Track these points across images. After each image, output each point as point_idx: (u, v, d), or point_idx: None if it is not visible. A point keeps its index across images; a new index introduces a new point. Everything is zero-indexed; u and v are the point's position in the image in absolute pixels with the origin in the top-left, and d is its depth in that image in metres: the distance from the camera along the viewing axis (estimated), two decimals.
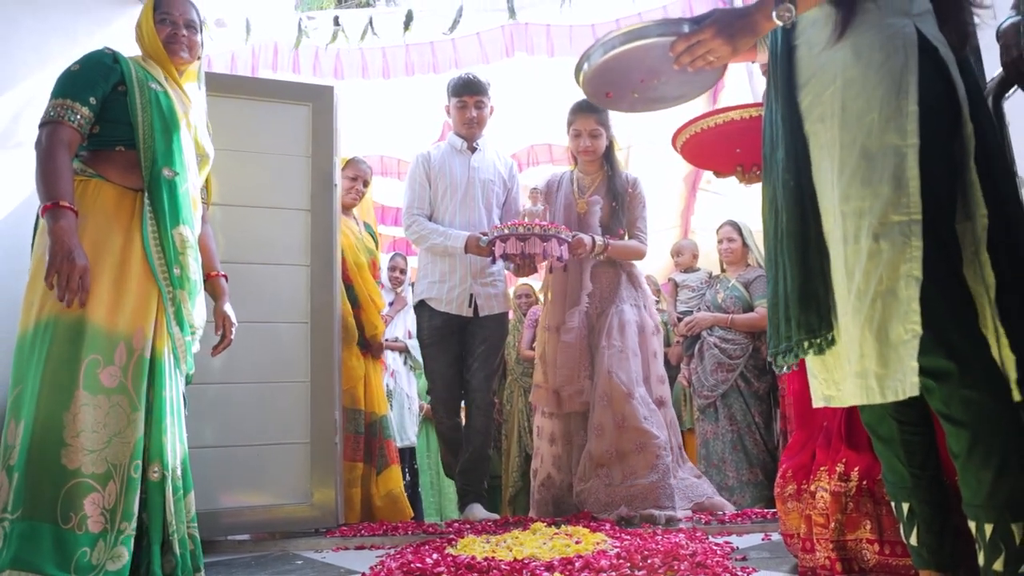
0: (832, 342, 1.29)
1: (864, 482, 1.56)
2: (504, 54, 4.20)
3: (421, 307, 3.13)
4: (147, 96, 1.90)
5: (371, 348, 3.32)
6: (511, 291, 4.78)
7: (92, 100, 1.83)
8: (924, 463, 1.33)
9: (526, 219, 2.80)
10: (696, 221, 5.72)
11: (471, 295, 3.05)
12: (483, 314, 3.07)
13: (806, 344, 1.31)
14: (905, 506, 1.34)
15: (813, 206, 1.32)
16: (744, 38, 1.32)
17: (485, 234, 2.94)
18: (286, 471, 2.65)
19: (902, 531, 1.36)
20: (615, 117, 3.08)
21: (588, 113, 2.99)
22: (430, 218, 3.11)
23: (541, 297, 3.31)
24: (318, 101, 2.90)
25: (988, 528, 1.15)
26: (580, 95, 2.88)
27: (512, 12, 3.86)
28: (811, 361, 1.37)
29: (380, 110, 4.72)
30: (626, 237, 3.08)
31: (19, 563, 1.54)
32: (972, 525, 1.18)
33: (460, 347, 3.12)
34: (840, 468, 1.59)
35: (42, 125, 1.79)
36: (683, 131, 1.73)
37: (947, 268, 1.18)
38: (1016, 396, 1.15)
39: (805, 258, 1.31)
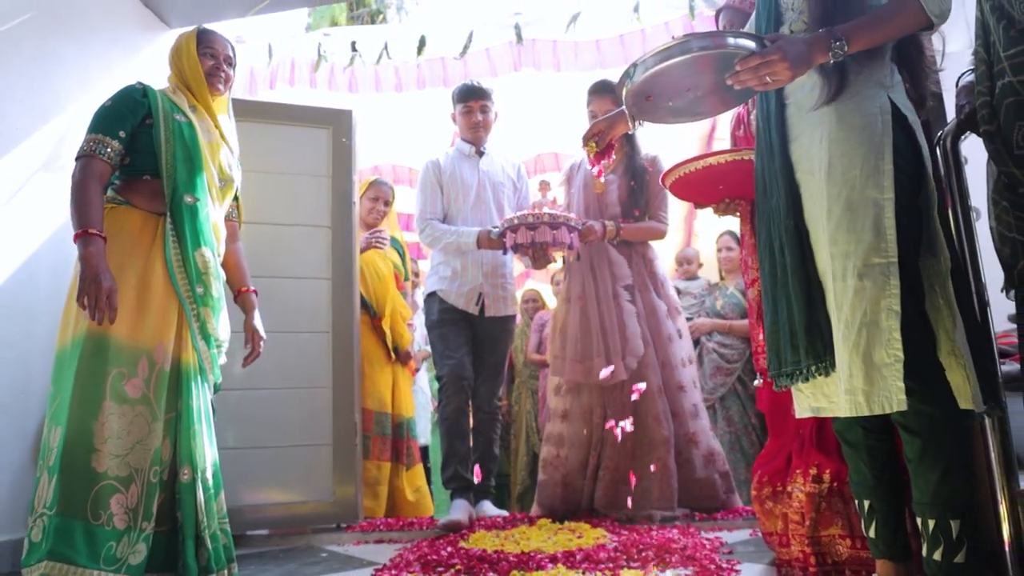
0: (834, 365, 1.43)
1: (835, 484, 1.74)
2: (512, 69, 4.32)
3: (431, 298, 3.14)
4: (171, 128, 2.01)
5: (398, 355, 3.46)
6: (519, 295, 4.92)
7: (122, 134, 1.96)
8: (884, 466, 1.52)
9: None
10: (698, 225, 5.86)
11: (480, 294, 3.09)
12: (488, 315, 3.10)
13: (814, 368, 1.45)
14: (866, 503, 1.53)
15: (809, 246, 1.48)
16: (801, 67, 1.39)
17: (496, 227, 3.00)
18: (310, 471, 2.81)
19: (862, 525, 1.55)
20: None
21: (604, 94, 2.97)
22: (443, 222, 3.16)
23: (563, 275, 3.28)
24: (337, 124, 3.07)
25: (931, 523, 1.35)
26: (583, 97, 2.98)
27: (519, 37, 4.02)
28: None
29: (393, 122, 4.87)
30: (645, 217, 3.02)
31: (55, 555, 1.68)
32: (919, 521, 1.38)
33: (470, 334, 3.11)
34: (814, 471, 1.77)
35: (77, 159, 1.94)
36: (672, 172, 1.93)
37: (913, 303, 1.37)
38: (970, 407, 1.34)
39: (809, 292, 1.46)
